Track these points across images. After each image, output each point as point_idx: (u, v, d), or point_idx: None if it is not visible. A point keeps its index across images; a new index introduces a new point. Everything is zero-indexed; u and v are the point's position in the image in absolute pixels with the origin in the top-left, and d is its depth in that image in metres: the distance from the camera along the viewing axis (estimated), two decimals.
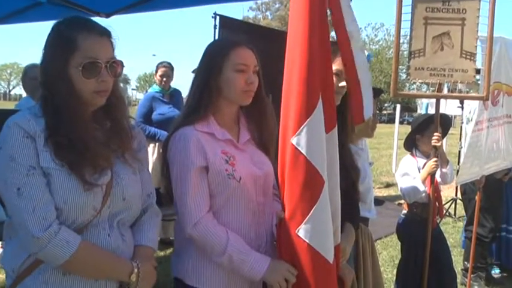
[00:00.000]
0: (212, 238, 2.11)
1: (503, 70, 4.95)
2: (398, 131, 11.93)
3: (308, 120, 2.09)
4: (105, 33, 1.89)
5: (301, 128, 2.10)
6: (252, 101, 2.28)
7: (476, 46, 3.84)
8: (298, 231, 2.12)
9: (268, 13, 69.21)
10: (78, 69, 1.80)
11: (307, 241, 2.12)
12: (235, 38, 2.33)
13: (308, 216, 2.10)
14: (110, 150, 1.91)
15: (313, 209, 2.10)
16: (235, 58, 2.19)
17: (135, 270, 1.90)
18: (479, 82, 4.17)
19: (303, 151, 2.10)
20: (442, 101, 14.56)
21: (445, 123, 4.08)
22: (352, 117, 2.52)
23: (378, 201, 8.86)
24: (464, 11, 3.65)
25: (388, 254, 6.26)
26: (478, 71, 4.02)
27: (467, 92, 4.44)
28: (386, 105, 51.23)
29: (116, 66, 1.90)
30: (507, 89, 5.10)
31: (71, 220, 1.80)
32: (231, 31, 5.65)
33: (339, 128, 2.50)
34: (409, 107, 39.45)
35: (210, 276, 2.20)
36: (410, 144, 4.31)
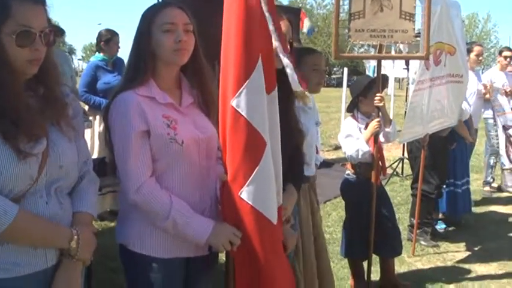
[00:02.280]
0: (155, 203, 2.11)
1: (445, 30, 5.03)
2: (346, 94, 12.05)
3: (247, 82, 2.09)
4: (40, 1, 1.85)
5: (240, 90, 2.09)
6: (189, 61, 2.26)
7: (415, 6, 3.89)
8: (241, 193, 2.14)
9: None
10: (12, 37, 1.76)
11: (250, 203, 2.14)
12: (170, 1, 2.29)
13: (250, 178, 2.12)
14: (44, 118, 1.88)
15: (256, 170, 2.12)
16: (161, 19, 2.18)
17: (75, 236, 1.90)
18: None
19: (243, 113, 2.10)
20: (390, 62, 14.73)
21: (382, 84, 4.14)
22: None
23: (327, 164, 9.00)
24: None
25: (338, 214, 6.39)
26: (419, 33, 4.09)
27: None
28: (335, 69, 51.58)
29: (49, 34, 1.86)
30: (449, 48, 5.20)
31: (8, 190, 1.77)
32: None
33: (285, 91, 2.52)
34: (357, 70, 39.80)
35: (155, 241, 2.21)
36: (352, 105, 4.37)
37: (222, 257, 2.56)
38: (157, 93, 2.20)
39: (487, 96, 7.14)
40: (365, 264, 4.20)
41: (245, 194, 2.13)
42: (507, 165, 7.38)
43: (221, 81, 2.18)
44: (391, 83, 16.76)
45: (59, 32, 4.63)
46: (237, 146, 2.13)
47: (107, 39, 6.16)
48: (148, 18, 2.21)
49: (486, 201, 7.63)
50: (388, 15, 3.79)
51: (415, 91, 4.80)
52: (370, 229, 3.97)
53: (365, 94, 4.18)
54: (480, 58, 6.55)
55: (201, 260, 2.30)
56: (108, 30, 6.30)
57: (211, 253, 2.31)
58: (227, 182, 2.18)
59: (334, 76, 50.88)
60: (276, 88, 2.29)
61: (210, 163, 2.31)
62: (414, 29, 3.93)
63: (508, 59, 8.00)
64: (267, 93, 2.20)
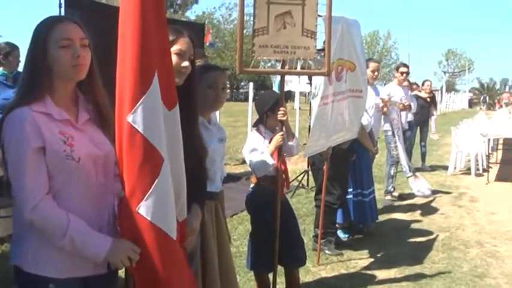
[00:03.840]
0: (52, 221, 2.07)
1: (346, 47, 5.27)
2: (252, 109, 12.22)
3: (143, 97, 2.09)
4: None
5: (136, 105, 2.09)
6: (85, 77, 2.23)
7: (316, 25, 4.05)
8: (138, 208, 2.13)
9: None
10: None
11: (148, 218, 2.13)
12: (64, 16, 2.25)
13: (148, 194, 2.12)
14: None
15: (153, 186, 2.12)
16: (57, 35, 2.14)
17: None
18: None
19: (140, 129, 2.10)
20: (295, 78, 15.13)
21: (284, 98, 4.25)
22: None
23: (234, 178, 9.06)
24: None
25: (244, 228, 6.41)
26: (323, 50, 4.24)
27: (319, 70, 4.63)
28: (242, 84, 51.91)
29: None
30: (350, 65, 5.44)
31: None
32: (79, 10, 5.43)
33: (187, 108, 2.53)
34: (264, 84, 40.41)
35: (51, 261, 2.14)
36: (258, 121, 4.44)
37: (121, 274, 2.52)
38: (53, 110, 2.16)
39: (385, 110, 7.48)
40: (271, 276, 4.26)
41: (143, 209, 2.12)
42: (408, 173, 7.83)
43: (117, 96, 2.17)
44: (297, 97, 17.25)
45: None
46: (134, 161, 2.12)
47: (6, 53, 5.92)
48: (43, 33, 2.15)
49: (388, 209, 7.99)
50: (291, 33, 3.92)
51: (319, 106, 4.95)
52: (275, 241, 4.04)
53: (273, 109, 4.25)
54: (376, 74, 6.89)
55: (100, 278, 2.25)
56: (8, 44, 6.06)
57: (110, 271, 2.26)
58: (125, 198, 2.17)
59: (241, 90, 51.28)
60: (178, 104, 2.30)
61: (108, 180, 2.28)
62: (316, 46, 4.08)
63: (404, 75, 8.52)
64: (168, 110, 2.22)
